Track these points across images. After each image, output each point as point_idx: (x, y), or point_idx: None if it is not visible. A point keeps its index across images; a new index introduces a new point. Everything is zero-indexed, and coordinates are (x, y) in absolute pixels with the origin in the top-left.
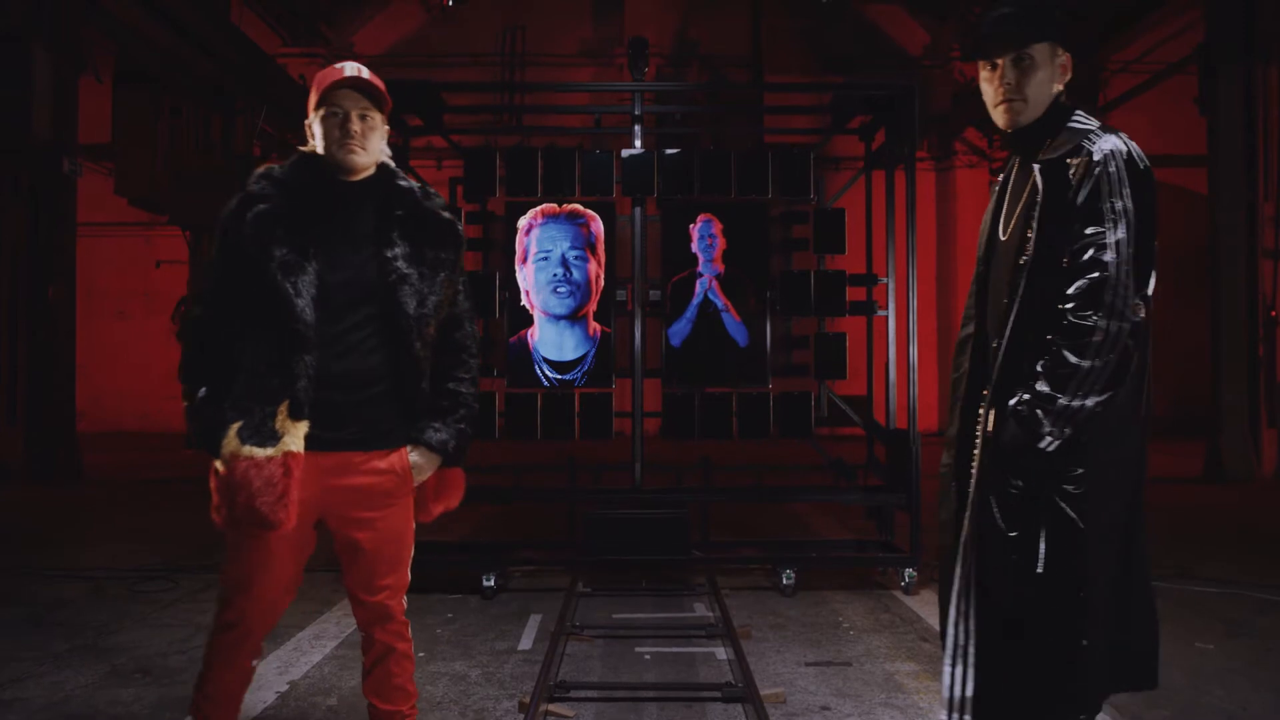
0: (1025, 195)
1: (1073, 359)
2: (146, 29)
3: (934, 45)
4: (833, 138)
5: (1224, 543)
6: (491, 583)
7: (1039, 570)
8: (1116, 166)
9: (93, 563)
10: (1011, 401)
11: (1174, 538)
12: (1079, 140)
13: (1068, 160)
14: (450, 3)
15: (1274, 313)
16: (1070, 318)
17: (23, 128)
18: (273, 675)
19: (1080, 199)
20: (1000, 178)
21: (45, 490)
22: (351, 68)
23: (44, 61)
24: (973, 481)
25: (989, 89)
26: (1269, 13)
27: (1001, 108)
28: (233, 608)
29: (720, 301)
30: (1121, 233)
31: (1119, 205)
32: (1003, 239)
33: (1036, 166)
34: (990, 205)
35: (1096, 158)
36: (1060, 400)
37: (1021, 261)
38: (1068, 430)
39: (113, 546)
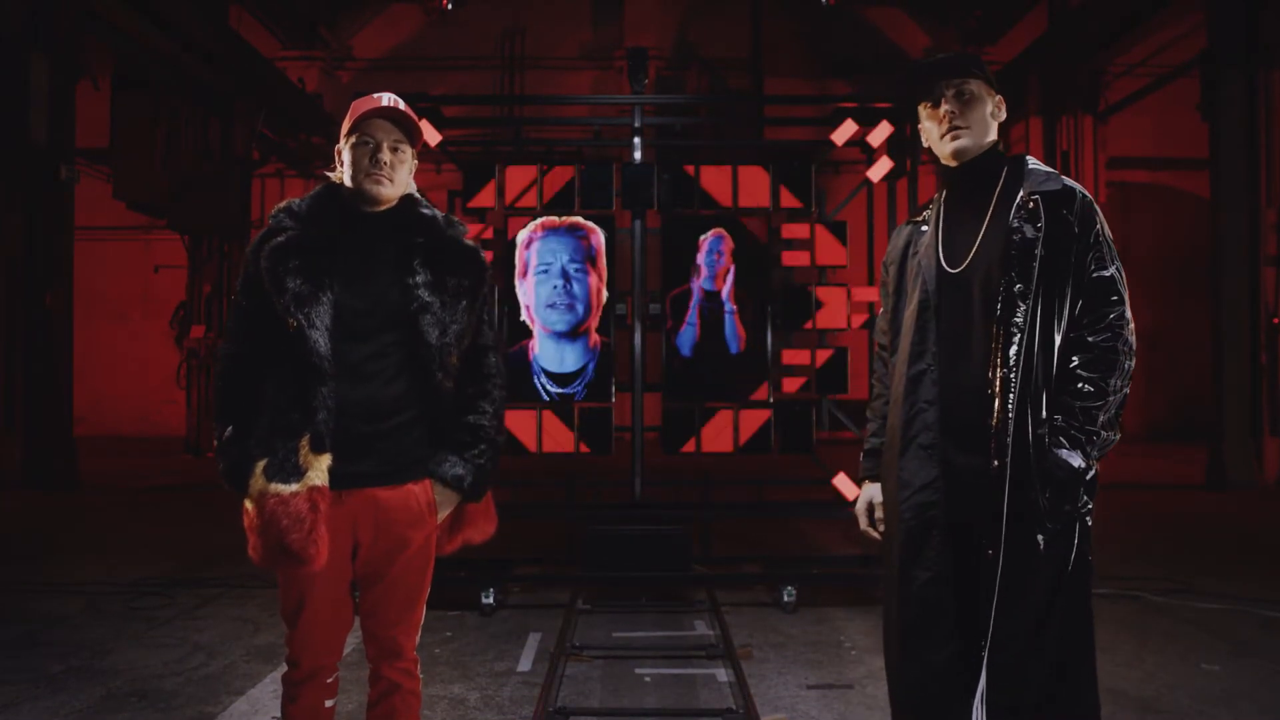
0: (990, 228)
1: (1105, 386)
2: (144, 34)
3: (935, 48)
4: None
5: (1227, 554)
6: (490, 599)
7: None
8: (1095, 204)
9: (88, 575)
10: (1061, 433)
11: (1177, 548)
12: (1049, 178)
13: (1060, 193)
14: (449, 6)
15: (1276, 320)
16: (1100, 348)
17: (20, 134)
18: (268, 700)
19: (1086, 232)
20: (923, 215)
21: (42, 497)
22: (388, 98)
23: (41, 68)
24: (1004, 526)
25: (933, 125)
26: (1271, 18)
27: (949, 137)
28: (290, 643)
29: (730, 305)
30: (1119, 267)
31: (1109, 240)
32: (953, 271)
33: (1038, 197)
34: (921, 239)
35: (1082, 193)
36: (1099, 427)
37: (1016, 290)
38: (1099, 454)
39: (109, 557)
